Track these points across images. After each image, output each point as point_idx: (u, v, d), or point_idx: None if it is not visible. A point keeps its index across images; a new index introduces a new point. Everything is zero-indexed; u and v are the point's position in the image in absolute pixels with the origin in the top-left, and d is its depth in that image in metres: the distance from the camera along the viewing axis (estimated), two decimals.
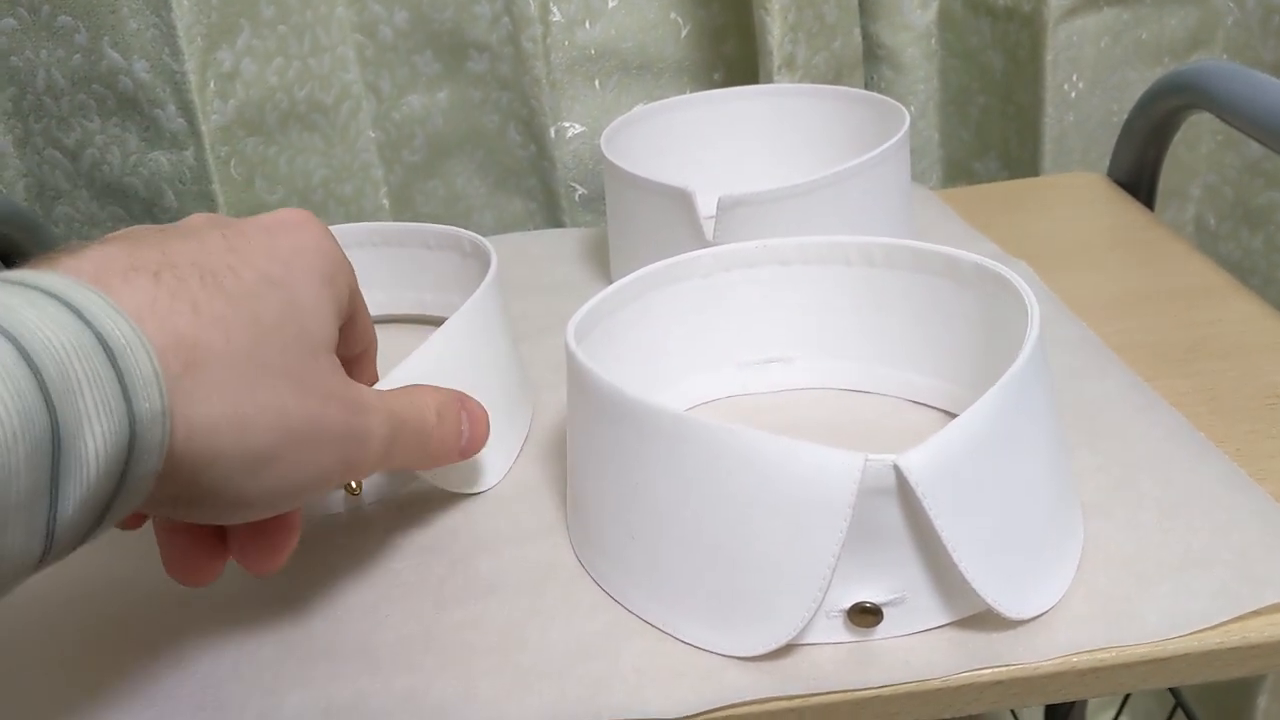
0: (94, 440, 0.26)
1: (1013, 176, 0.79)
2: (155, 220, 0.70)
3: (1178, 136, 0.67)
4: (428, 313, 0.57)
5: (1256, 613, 0.35)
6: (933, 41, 0.79)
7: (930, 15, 0.78)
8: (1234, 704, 0.89)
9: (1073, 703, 0.82)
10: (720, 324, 0.48)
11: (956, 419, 0.33)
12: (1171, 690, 0.78)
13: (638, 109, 0.64)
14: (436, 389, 0.39)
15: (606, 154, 0.57)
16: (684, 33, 0.74)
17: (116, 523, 0.29)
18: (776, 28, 0.68)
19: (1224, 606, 0.35)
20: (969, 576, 0.33)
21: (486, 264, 0.49)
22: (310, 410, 0.32)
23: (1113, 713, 0.94)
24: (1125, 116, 0.69)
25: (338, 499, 0.43)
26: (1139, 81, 0.75)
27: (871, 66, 0.80)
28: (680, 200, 0.52)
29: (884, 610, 0.34)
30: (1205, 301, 0.55)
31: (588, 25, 0.73)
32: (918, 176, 0.83)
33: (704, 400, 0.49)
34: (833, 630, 0.35)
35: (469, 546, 0.41)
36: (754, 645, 0.34)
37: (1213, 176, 0.82)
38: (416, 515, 0.43)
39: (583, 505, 0.40)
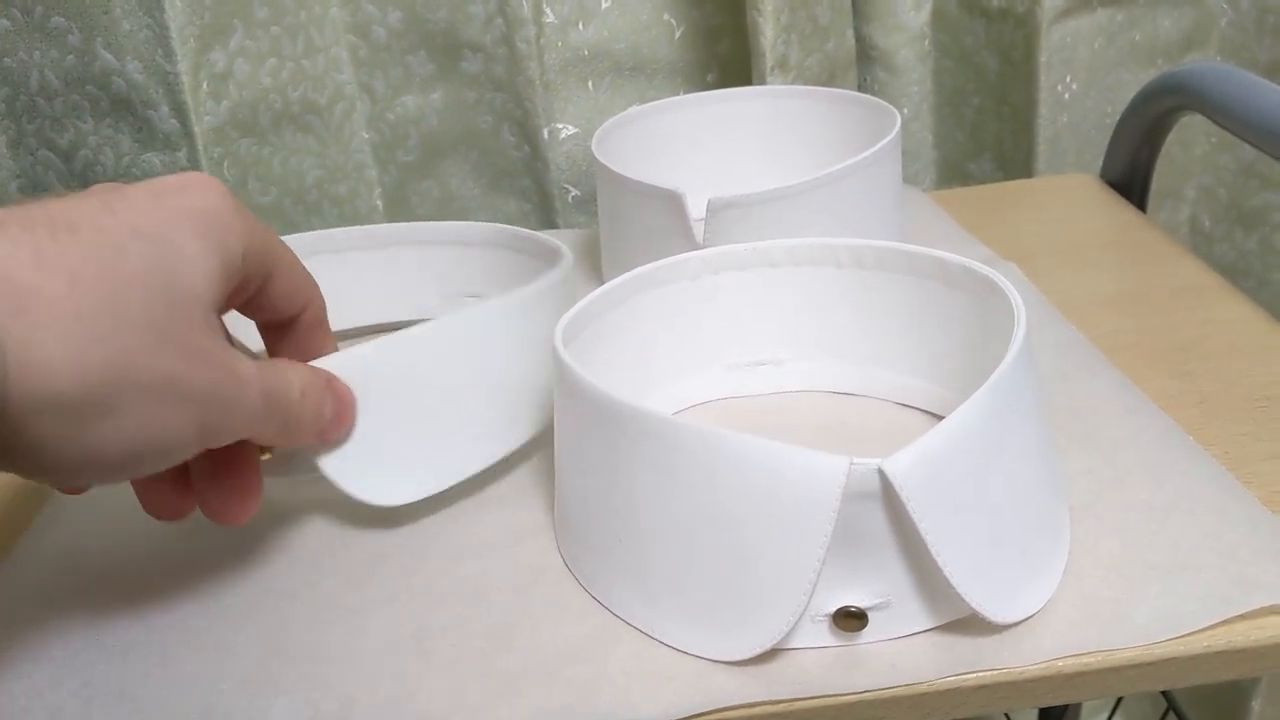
0: None
1: (1007, 178, 0.79)
2: None
3: (1172, 138, 0.67)
4: None
5: (1244, 616, 0.35)
6: (926, 43, 0.79)
7: (924, 16, 0.78)
8: (1227, 707, 0.89)
9: (1065, 705, 0.82)
10: (710, 326, 0.48)
11: (941, 422, 0.33)
12: (1164, 693, 0.78)
13: (630, 110, 0.64)
14: (304, 366, 0.38)
15: (597, 155, 0.57)
16: (677, 34, 0.74)
17: None
18: (769, 29, 0.68)
19: (1212, 610, 0.35)
20: (954, 581, 0.33)
21: (543, 255, 0.50)
22: (166, 365, 0.31)
23: (1105, 715, 0.94)
24: (1119, 118, 0.69)
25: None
26: (1133, 83, 0.75)
27: (865, 68, 0.80)
28: (670, 202, 0.52)
29: (869, 615, 0.34)
30: (1196, 303, 0.55)
31: (581, 26, 0.73)
32: (912, 178, 0.83)
33: (693, 403, 0.49)
34: (818, 634, 0.35)
35: (456, 549, 0.41)
36: (739, 649, 0.34)
37: (1207, 178, 0.82)
38: (404, 518, 0.43)
39: (570, 508, 0.40)
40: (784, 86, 0.67)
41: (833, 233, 0.49)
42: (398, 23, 0.73)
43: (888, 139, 0.54)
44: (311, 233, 0.55)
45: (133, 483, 0.36)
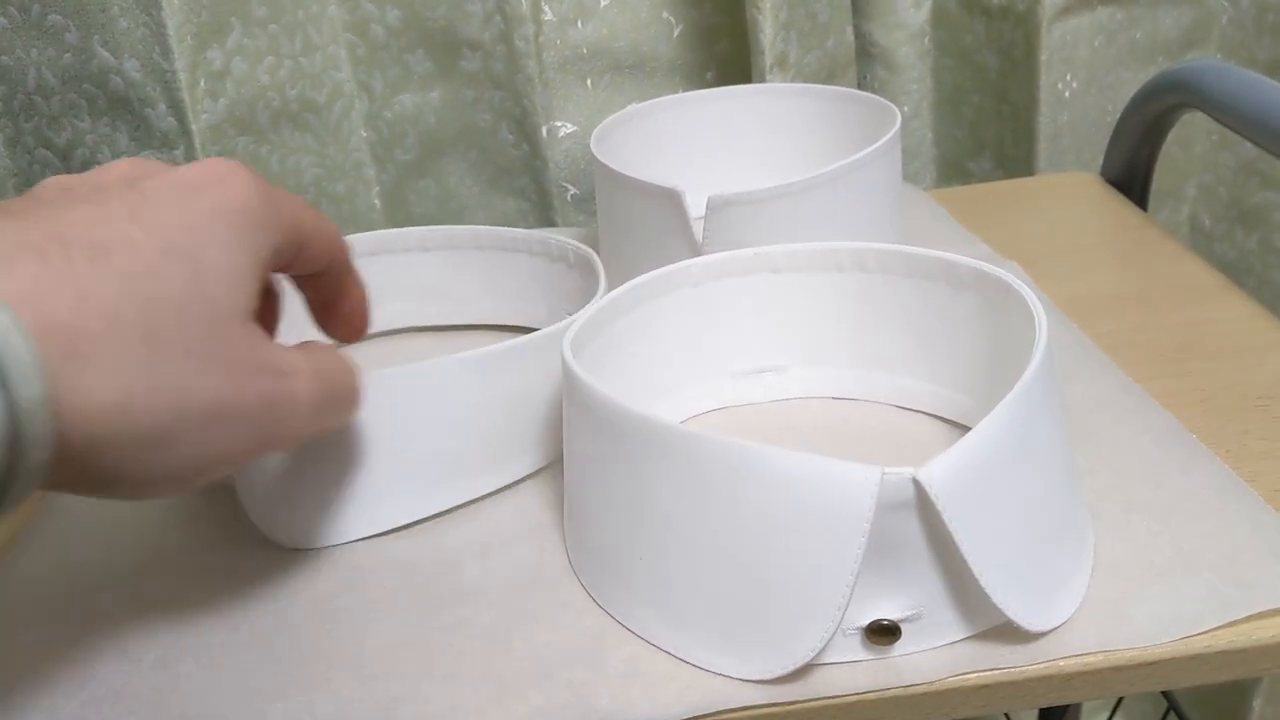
0: None
1: (1007, 176, 0.79)
2: None
3: (1172, 136, 0.67)
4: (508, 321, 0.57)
5: (1245, 616, 0.34)
6: (926, 41, 0.78)
7: (924, 14, 0.78)
8: (1229, 707, 0.88)
9: (1065, 706, 0.82)
10: (712, 334, 0.47)
11: (973, 430, 0.33)
12: (1165, 693, 0.78)
13: (628, 108, 0.64)
14: (329, 350, 0.38)
15: (596, 153, 0.57)
16: (676, 32, 0.74)
17: (15, 506, 0.28)
18: (768, 27, 0.68)
19: (1214, 611, 0.34)
20: (989, 590, 0.33)
21: (586, 273, 0.50)
22: (213, 389, 0.31)
23: (1106, 715, 0.93)
24: (1119, 116, 0.69)
25: None
26: (1133, 81, 0.75)
27: (864, 66, 0.79)
28: (669, 200, 0.51)
29: (901, 627, 0.33)
30: (1197, 302, 0.55)
31: (580, 24, 0.72)
32: (912, 176, 0.82)
33: (698, 412, 0.48)
34: (850, 649, 0.34)
35: (455, 550, 0.41)
36: (770, 668, 0.33)
37: (1208, 176, 0.82)
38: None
39: (584, 524, 0.39)
40: (783, 84, 0.67)
41: (832, 231, 0.49)
42: (396, 21, 0.73)
43: (887, 137, 0.54)
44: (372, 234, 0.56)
45: None
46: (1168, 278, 0.58)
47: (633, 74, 0.74)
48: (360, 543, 0.42)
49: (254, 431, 0.32)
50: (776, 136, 0.65)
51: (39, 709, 0.35)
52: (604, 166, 0.56)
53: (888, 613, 0.33)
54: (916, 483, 0.31)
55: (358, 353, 0.55)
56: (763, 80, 0.69)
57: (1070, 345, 0.50)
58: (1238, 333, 0.52)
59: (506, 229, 0.55)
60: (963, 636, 0.34)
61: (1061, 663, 0.34)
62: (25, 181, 0.71)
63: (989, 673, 0.34)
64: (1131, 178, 0.69)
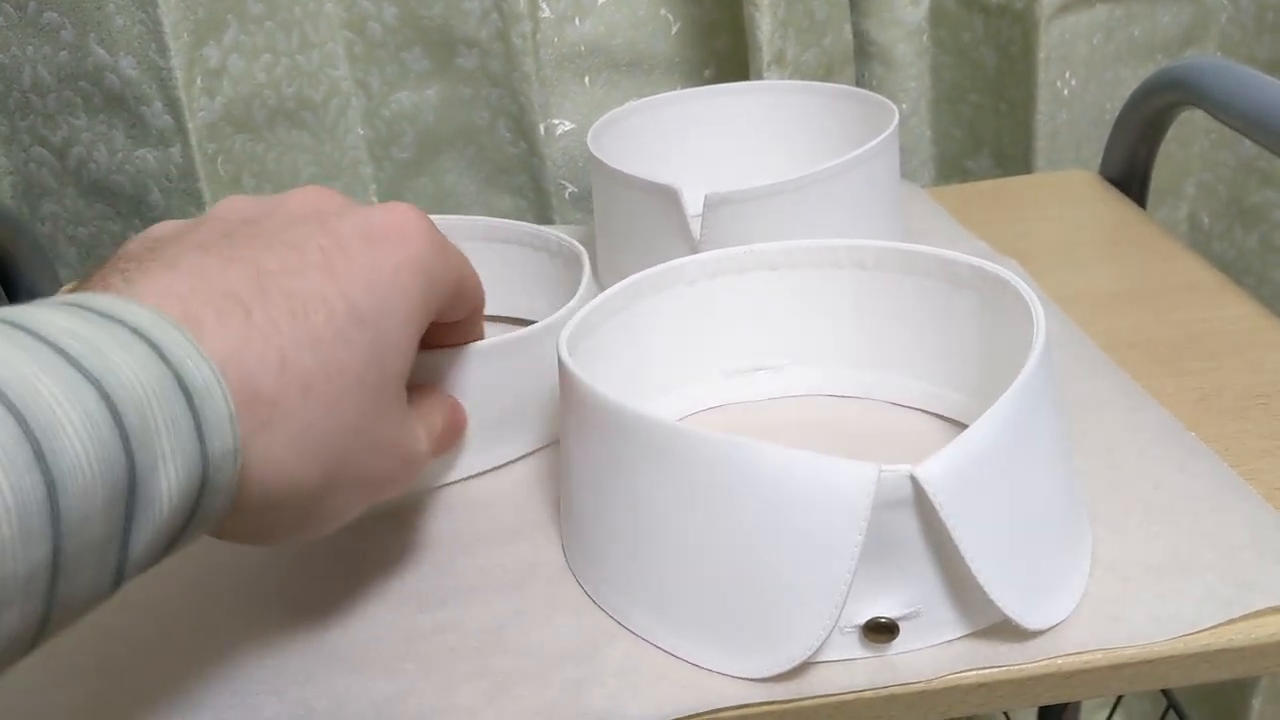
0: (167, 481, 0.26)
1: (1005, 174, 0.79)
2: (141, 218, 0.70)
3: (1171, 134, 0.67)
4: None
5: (1244, 615, 0.34)
6: (924, 38, 0.78)
7: (922, 12, 0.78)
8: (1228, 706, 0.88)
9: (1064, 704, 0.82)
10: (708, 332, 0.47)
11: (971, 427, 0.33)
12: (1164, 692, 0.78)
13: (626, 106, 0.64)
14: (440, 394, 0.40)
15: (593, 150, 0.56)
16: (674, 29, 0.74)
17: (187, 545, 0.29)
18: (766, 24, 0.68)
19: (1213, 611, 0.34)
20: (987, 588, 0.32)
21: (570, 264, 0.50)
22: (367, 464, 0.33)
23: (1105, 714, 0.93)
24: (1118, 114, 0.68)
25: None
26: (1132, 79, 0.75)
27: (862, 63, 0.79)
28: (666, 197, 0.51)
29: (899, 625, 0.33)
30: (1195, 300, 0.55)
31: (577, 22, 0.72)
32: (910, 174, 0.82)
33: (694, 410, 0.48)
34: (847, 647, 0.34)
35: (450, 547, 0.41)
36: (767, 667, 0.33)
37: (1207, 175, 0.82)
38: (396, 516, 0.43)
39: (580, 523, 0.39)
40: (781, 82, 0.67)
41: (830, 229, 0.49)
42: (393, 18, 0.72)
43: (885, 134, 0.54)
44: None
45: None
46: (1167, 276, 0.58)
47: (630, 71, 0.74)
48: (354, 539, 0.42)
49: (369, 499, 0.34)
50: (774, 134, 0.65)
51: (35, 705, 0.35)
52: (601, 164, 0.55)
53: (885, 611, 0.33)
54: (914, 480, 0.31)
55: None
56: (760, 77, 0.69)
57: (1068, 343, 0.50)
58: (1237, 331, 0.52)
59: (494, 219, 0.55)
60: (960, 634, 0.34)
61: (1060, 661, 0.34)
62: (22, 179, 0.71)
63: (987, 671, 0.33)
64: (1130, 176, 0.68)
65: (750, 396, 0.48)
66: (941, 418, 0.46)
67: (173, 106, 0.65)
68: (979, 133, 0.80)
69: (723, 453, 0.33)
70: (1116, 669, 0.34)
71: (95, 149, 0.68)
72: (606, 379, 0.38)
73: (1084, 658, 0.34)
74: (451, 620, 0.37)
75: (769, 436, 0.33)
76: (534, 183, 0.75)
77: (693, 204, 0.51)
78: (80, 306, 0.26)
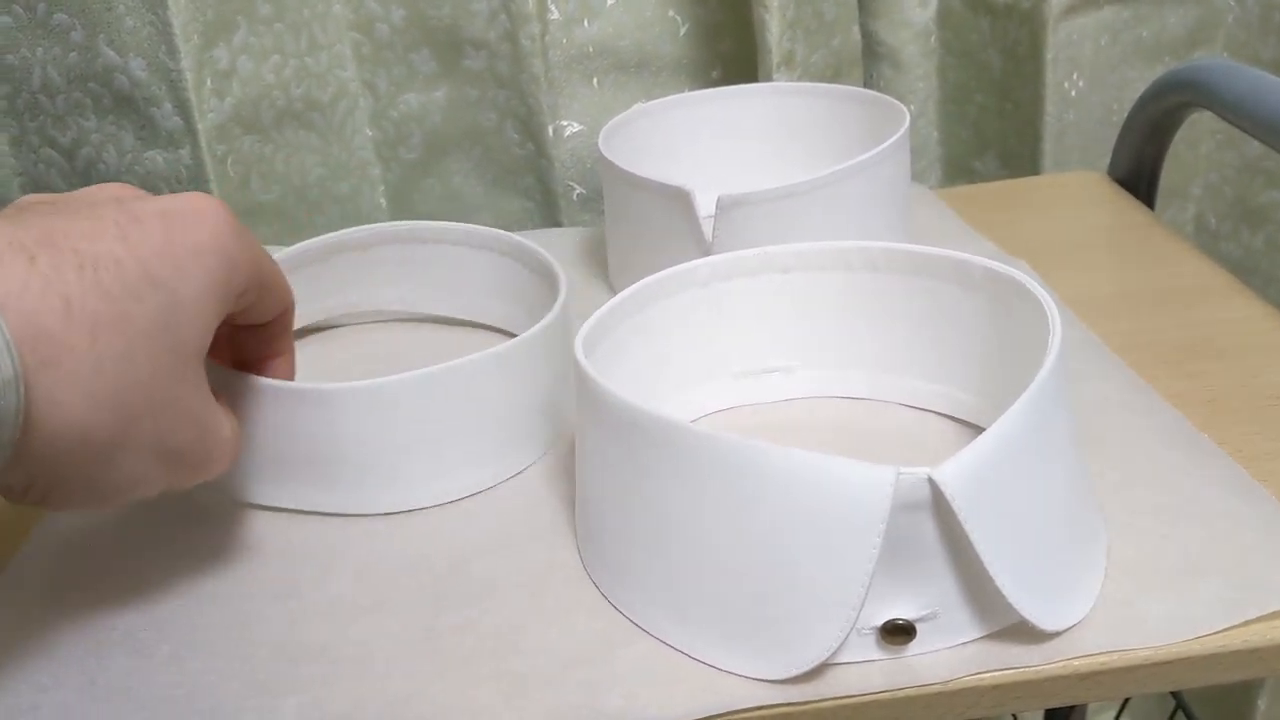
0: None
1: (1012, 175, 0.79)
2: None
3: (1178, 135, 0.67)
4: (458, 315, 0.57)
5: (1258, 617, 0.34)
6: (932, 39, 0.78)
7: (929, 13, 0.78)
8: (1234, 705, 0.88)
9: (1072, 705, 0.82)
10: (721, 334, 0.47)
11: (988, 430, 0.33)
12: (1173, 692, 0.78)
13: (635, 107, 0.64)
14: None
15: (604, 153, 0.57)
16: (682, 30, 0.74)
17: None
18: (775, 25, 0.68)
19: (1226, 613, 0.34)
20: (1004, 590, 0.33)
21: (535, 268, 0.50)
22: (162, 426, 0.33)
23: (1113, 713, 0.93)
24: (1125, 115, 0.68)
25: None
26: (1139, 80, 0.75)
27: (871, 64, 0.79)
28: (679, 200, 0.51)
29: (916, 627, 0.33)
30: (1205, 301, 0.55)
31: (586, 23, 0.72)
32: (917, 175, 0.82)
33: (707, 412, 0.48)
34: (865, 649, 0.34)
35: (466, 549, 0.41)
36: (784, 668, 0.33)
37: (1213, 175, 0.82)
38: (413, 518, 0.43)
39: (596, 524, 0.39)
40: (790, 83, 0.67)
41: (841, 230, 0.49)
42: (401, 19, 0.72)
43: (896, 135, 0.54)
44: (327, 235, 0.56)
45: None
46: (1175, 277, 0.58)
47: (638, 73, 0.74)
48: (369, 542, 0.42)
49: (169, 469, 0.34)
50: (783, 135, 0.65)
51: (50, 705, 0.35)
52: (613, 166, 0.56)
53: (903, 613, 0.33)
54: (932, 483, 0.31)
55: (326, 344, 0.56)
56: (769, 79, 0.69)
57: (1079, 344, 0.50)
58: (1245, 332, 0.52)
59: (474, 226, 0.55)
60: (977, 636, 0.34)
61: (1075, 662, 0.34)
62: (31, 180, 0.71)
63: (1003, 672, 0.34)
64: (1138, 177, 0.69)
65: (763, 398, 0.48)
66: (953, 419, 0.46)
67: (182, 108, 0.65)
68: (986, 134, 0.80)
69: (741, 456, 0.33)
70: (1131, 671, 0.34)
71: (104, 150, 0.68)
72: (621, 381, 0.38)
73: (1099, 659, 0.34)
74: (468, 622, 0.37)
75: (782, 438, 0.33)
76: (541, 184, 0.76)
77: (703, 206, 0.51)
78: None
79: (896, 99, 0.59)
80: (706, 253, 0.50)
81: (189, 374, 0.34)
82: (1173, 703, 0.78)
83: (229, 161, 0.68)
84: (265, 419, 0.42)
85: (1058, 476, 0.35)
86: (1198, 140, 0.80)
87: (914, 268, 0.45)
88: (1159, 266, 0.60)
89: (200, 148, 0.66)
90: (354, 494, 0.43)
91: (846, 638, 0.33)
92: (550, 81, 0.72)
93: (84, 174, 0.70)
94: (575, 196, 0.75)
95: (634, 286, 0.44)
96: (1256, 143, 0.72)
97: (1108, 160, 0.71)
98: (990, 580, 0.32)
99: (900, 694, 0.33)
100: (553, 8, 0.71)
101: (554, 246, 0.66)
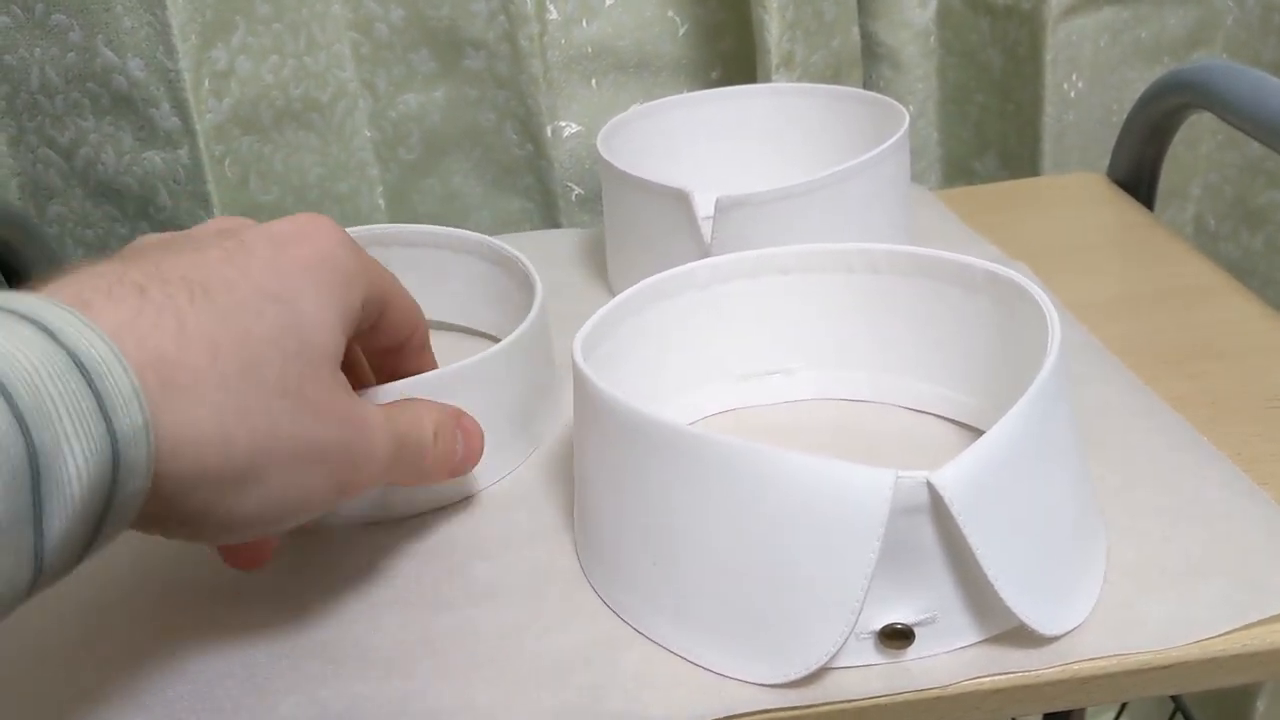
0: (74, 461, 0.25)
1: (1012, 176, 0.79)
2: (149, 219, 0.70)
3: (1177, 136, 0.67)
4: (443, 320, 0.56)
5: (1259, 620, 0.34)
6: (932, 40, 0.78)
7: (929, 13, 0.78)
8: (1233, 707, 0.88)
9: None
10: (720, 336, 0.47)
11: (988, 433, 0.33)
12: (1173, 695, 0.78)
13: (634, 108, 0.64)
14: (435, 405, 0.39)
15: (603, 153, 0.56)
16: (681, 31, 0.74)
17: (110, 541, 0.28)
18: (774, 25, 0.68)
19: (1227, 616, 0.34)
20: (1003, 594, 0.32)
21: (514, 273, 0.50)
22: (304, 429, 0.31)
23: (1112, 714, 0.93)
24: (1125, 116, 0.68)
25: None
26: (1138, 81, 0.75)
27: (870, 65, 0.79)
28: (678, 201, 0.51)
29: (915, 631, 0.33)
30: (1205, 302, 0.55)
31: (584, 23, 0.72)
32: (917, 176, 0.82)
33: (707, 414, 0.48)
34: (863, 653, 0.34)
35: (467, 551, 0.41)
36: (783, 672, 0.33)
37: (1213, 176, 0.82)
38: (414, 519, 0.43)
39: (594, 527, 0.39)
40: (789, 84, 0.67)
41: (841, 231, 0.49)
42: (400, 20, 0.72)
43: (896, 136, 0.54)
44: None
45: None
46: (1175, 278, 0.58)
47: (637, 73, 0.74)
48: (369, 543, 0.42)
49: (331, 476, 0.33)
50: (783, 136, 0.65)
51: (48, 704, 0.35)
52: (611, 167, 0.55)
53: (902, 617, 0.33)
54: (931, 486, 0.31)
55: None
56: (768, 79, 0.69)
57: (1079, 346, 0.50)
58: (1245, 333, 0.52)
59: (455, 230, 0.55)
60: (976, 640, 0.34)
61: (1075, 666, 0.34)
62: (29, 181, 0.71)
63: (1003, 676, 0.34)
64: (1138, 178, 0.69)
65: (762, 400, 0.48)
66: (954, 422, 0.46)
67: (180, 108, 0.65)
68: (986, 134, 0.80)
69: (740, 458, 0.33)
70: (1131, 674, 0.34)
71: (103, 150, 0.68)
72: (619, 384, 0.38)
73: (1099, 663, 0.34)
74: (468, 623, 0.37)
75: (782, 441, 0.33)
76: (541, 185, 0.75)
77: (703, 207, 0.51)
78: None
79: (896, 99, 0.59)
80: (706, 254, 0.50)
81: (324, 378, 0.33)
82: (1172, 705, 0.78)
83: (227, 162, 0.68)
84: None
85: (1057, 479, 0.35)
86: (1197, 141, 0.80)
87: (915, 270, 0.45)
88: (1159, 268, 0.59)
89: (199, 148, 0.66)
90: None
91: (845, 641, 0.33)
92: (549, 82, 0.72)
93: (82, 174, 0.70)
94: (574, 197, 0.75)
95: (633, 288, 0.44)
96: (1256, 143, 0.72)
97: (1107, 161, 0.71)
98: (989, 584, 0.32)
99: (899, 698, 0.33)
100: (551, 8, 0.71)
101: (553, 247, 0.67)
